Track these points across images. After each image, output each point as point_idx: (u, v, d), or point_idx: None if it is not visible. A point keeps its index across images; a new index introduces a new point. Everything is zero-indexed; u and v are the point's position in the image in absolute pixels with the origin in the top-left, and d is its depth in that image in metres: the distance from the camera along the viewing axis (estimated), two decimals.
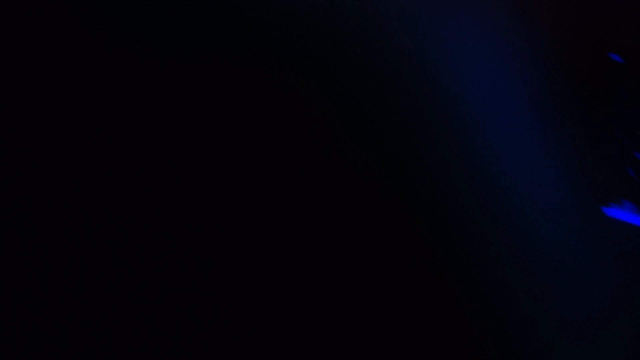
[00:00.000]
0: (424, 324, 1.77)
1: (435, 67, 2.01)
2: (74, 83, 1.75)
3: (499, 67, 2.04)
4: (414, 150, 1.95)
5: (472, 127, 1.99)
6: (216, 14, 1.90)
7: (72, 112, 1.74)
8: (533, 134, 2.02)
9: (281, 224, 1.79)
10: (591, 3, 2.06)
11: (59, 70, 1.74)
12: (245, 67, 1.89)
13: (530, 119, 2.02)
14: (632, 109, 2.02)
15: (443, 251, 1.88)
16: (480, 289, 1.85)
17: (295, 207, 1.82)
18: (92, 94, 1.76)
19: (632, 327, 1.89)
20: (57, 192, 1.67)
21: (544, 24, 2.08)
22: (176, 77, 1.84)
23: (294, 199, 1.83)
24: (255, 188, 1.82)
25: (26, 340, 1.51)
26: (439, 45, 2.02)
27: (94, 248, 1.65)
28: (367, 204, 1.89)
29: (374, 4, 1.99)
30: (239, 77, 1.89)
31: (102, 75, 1.78)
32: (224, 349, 1.63)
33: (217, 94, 1.87)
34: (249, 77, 1.90)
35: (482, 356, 1.78)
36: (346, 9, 1.96)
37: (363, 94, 1.96)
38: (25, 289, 1.56)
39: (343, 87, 1.94)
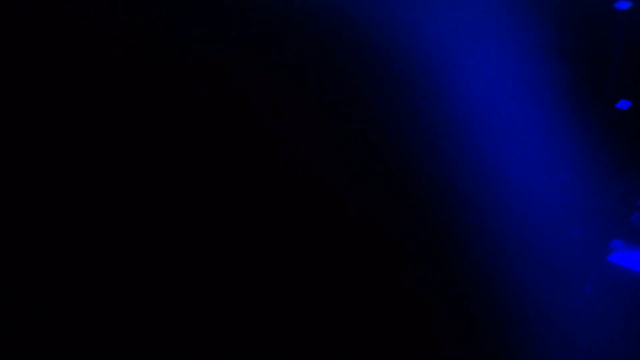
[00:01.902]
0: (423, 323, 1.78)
1: (434, 61, 2.02)
2: (73, 81, 1.76)
3: (505, 63, 2.05)
4: (417, 144, 1.96)
5: (475, 130, 2.00)
6: (212, 13, 1.91)
7: (72, 111, 1.74)
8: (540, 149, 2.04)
9: (282, 223, 1.80)
10: None
11: (58, 69, 1.74)
12: (242, 66, 1.89)
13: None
14: (633, 157, 2.03)
15: (443, 248, 1.89)
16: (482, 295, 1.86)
17: (294, 207, 1.83)
18: (90, 93, 1.77)
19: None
20: (59, 191, 1.68)
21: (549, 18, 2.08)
22: (173, 76, 1.85)
23: (292, 199, 1.83)
24: (252, 188, 1.82)
25: (26, 340, 1.52)
26: (438, 40, 2.02)
27: (93, 248, 1.65)
28: (364, 204, 1.89)
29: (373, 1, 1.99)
30: (236, 77, 1.89)
31: (100, 74, 1.78)
32: (224, 349, 1.64)
33: (214, 94, 1.87)
34: (246, 76, 1.90)
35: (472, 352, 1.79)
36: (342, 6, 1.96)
37: (366, 89, 1.97)
38: (25, 289, 1.57)
39: (342, 85, 1.95)
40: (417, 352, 1.75)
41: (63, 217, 1.66)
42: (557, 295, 1.92)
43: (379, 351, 1.73)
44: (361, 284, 1.80)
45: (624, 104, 2.03)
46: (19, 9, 1.67)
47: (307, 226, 1.83)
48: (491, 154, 2.04)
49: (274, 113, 1.90)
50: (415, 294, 1.83)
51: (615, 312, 1.94)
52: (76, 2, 1.75)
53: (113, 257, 1.65)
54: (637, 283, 1.95)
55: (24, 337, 1.51)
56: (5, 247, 1.58)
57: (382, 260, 1.85)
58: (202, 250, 1.72)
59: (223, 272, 1.71)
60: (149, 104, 1.81)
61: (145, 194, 1.73)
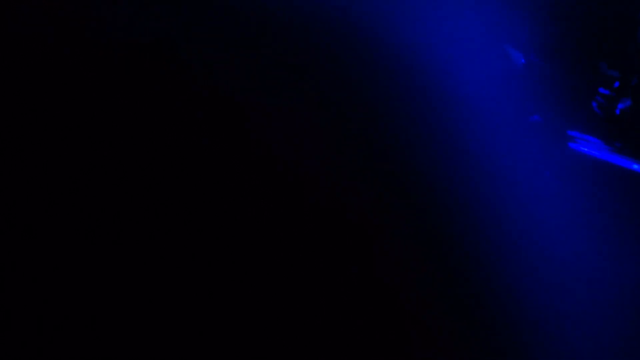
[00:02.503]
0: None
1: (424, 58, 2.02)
2: (74, 80, 1.76)
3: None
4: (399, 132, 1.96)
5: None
6: (212, 13, 1.91)
7: (73, 111, 1.74)
8: (498, 72, 2.06)
9: (282, 224, 1.80)
10: None
11: (59, 68, 1.75)
12: (242, 66, 1.89)
13: (497, 56, 2.06)
14: (596, 44, 2.07)
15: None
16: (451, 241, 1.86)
17: (294, 208, 1.83)
18: (88, 92, 1.77)
19: (594, 258, 1.93)
20: (59, 191, 1.68)
21: None
22: (173, 76, 1.85)
23: (291, 200, 1.83)
24: (251, 189, 1.82)
25: (26, 340, 1.52)
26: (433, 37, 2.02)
27: (93, 248, 1.65)
28: (362, 203, 1.89)
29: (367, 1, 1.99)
30: (236, 77, 1.89)
31: (98, 73, 1.78)
32: (224, 349, 1.64)
33: (214, 94, 1.87)
34: (246, 77, 1.90)
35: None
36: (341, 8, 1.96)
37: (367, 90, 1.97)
38: (26, 289, 1.56)
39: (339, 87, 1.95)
40: (417, 352, 1.75)
41: (63, 217, 1.65)
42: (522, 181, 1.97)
43: (379, 351, 1.73)
44: (361, 284, 1.80)
45: None
46: (19, 9, 1.68)
47: (307, 226, 1.83)
48: (490, 154, 2.04)
49: (274, 113, 1.90)
50: (415, 293, 1.83)
51: (574, 193, 2.01)
52: (76, 2, 1.75)
53: (113, 257, 1.65)
54: (593, 168, 2.04)
55: (24, 337, 1.51)
56: (5, 247, 1.58)
57: (382, 260, 1.85)
58: (202, 250, 1.72)
59: (223, 273, 1.71)
60: (149, 103, 1.81)
61: (146, 194, 1.73)
